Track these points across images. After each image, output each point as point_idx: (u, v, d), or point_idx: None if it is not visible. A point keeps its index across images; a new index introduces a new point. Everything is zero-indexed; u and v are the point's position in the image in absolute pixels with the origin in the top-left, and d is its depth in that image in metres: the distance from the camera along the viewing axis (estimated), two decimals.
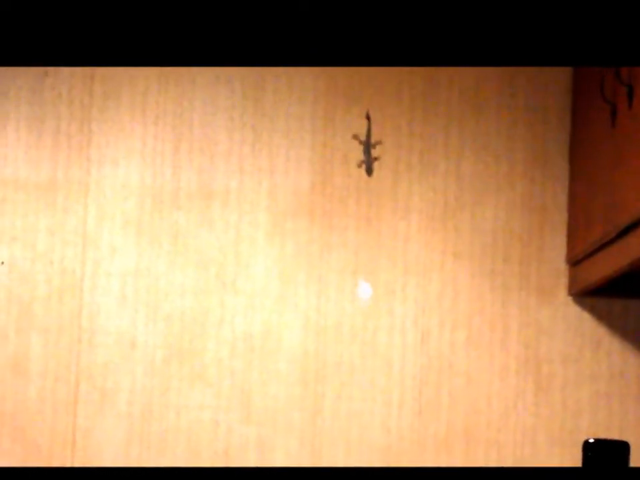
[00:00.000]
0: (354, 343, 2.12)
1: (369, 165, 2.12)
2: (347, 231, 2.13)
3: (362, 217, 2.13)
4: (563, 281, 2.12)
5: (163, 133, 2.14)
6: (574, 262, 2.09)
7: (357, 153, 2.14)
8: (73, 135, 2.14)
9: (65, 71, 2.15)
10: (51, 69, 2.14)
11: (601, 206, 1.89)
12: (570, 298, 2.12)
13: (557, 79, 2.14)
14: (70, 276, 2.12)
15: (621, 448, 1.67)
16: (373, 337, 2.12)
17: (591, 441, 1.61)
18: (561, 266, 2.12)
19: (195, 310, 2.12)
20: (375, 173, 2.13)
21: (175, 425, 2.10)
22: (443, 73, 2.14)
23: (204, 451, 2.10)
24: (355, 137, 2.13)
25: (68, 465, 2.09)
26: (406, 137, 2.14)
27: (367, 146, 2.12)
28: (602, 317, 2.11)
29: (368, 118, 2.13)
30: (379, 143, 2.13)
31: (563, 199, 2.12)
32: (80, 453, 2.09)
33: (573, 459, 2.07)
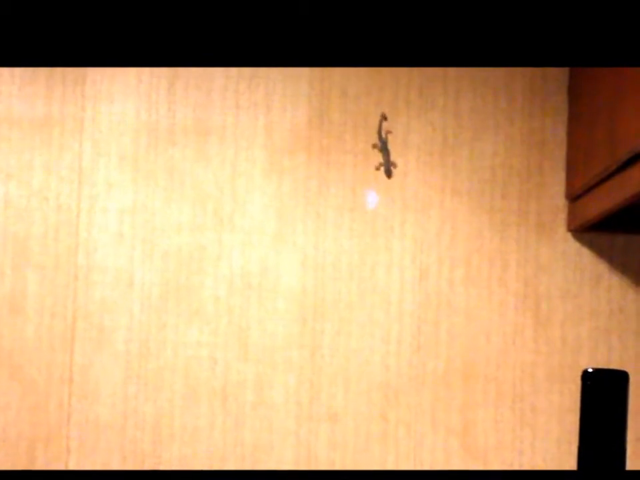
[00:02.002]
0: (352, 279, 2.11)
1: (387, 168, 2.10)
2: (345, 167, 2.11)
3: (360, 153, 2.11)
4: (562, 217, 2.11)
5: (158, 68, 2.12)
6: (573, 197, 2.08)
7: (355, 87, 2.12)
8: (67, 71, 2.11)
9: None
10: None
11: (601, 140, 1.87)
12: (569, 234, 2.11)
13: None
14: (66, 213, 2.10)
15: (620, 378, 1.66)
16: (371, 273, 2.11)
17: (590, 370, 1.60)
18: (560, 201, 2.11)
19: (192, 247, 2.10)
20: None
21: (172, 362, 2.09)
22: None
23: (201, 388, 2.09)
24: (374, 145, 2.10)
25: (65, 402, 2.08)
26: (404, 73, 2.12)
27: (385, 147, 2.10)
28: (602, 252, 2.10)
29: (384, 118, 2.11)
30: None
31: (562, 134, 2.11)
32: (77, 390, 2.09)
33: (572, 394, 2.07)
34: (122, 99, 2.11)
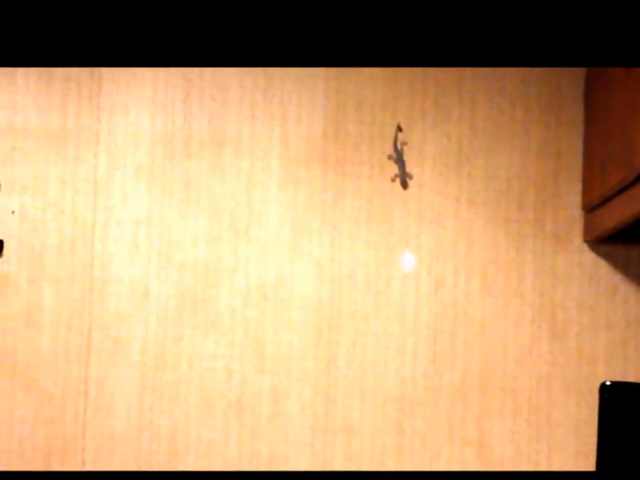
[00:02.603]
0: (368, 291, 2.10)
1: (403, 179, 2.10)
2: (361, 179, 2.11)
3: (375, 164, 2.11)
4: (579, 228, 2.10)
5: (173, 79, 2.11)
6: (589, 208, 2.07)
7: (370, 98, 2.12)
8: (83, 82, 2.11)
9: None
10: None
11: (617, 151, 1.87)
12: (585, 244, 2.10)
13: None
14: (81, 225, 2.10)
15: (637, 390, 1.66)
16: (386, 285, 2.10)
17: (608, 383, 1.60)
18: (577, 212, 2.10)
19: (208, 258, 2.10)
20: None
21: (187, 374, 2.09)
22: None
23: (217, 400, 2.09)
24: (390, 157, 2.10)
25: (81, 414, 2.08)
26: (420, 83, 2.11)
27: (400, 158, 2.10)
28: (618, 263, 2.10)
29: (400, 129, 2.10)
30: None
31: (578, 145, 2.10)
32: (92, 402, 2.08)
33: (588, 406, 2.06)
34: (137, 111, 2.11)
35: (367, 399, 2.09)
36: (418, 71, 2.11)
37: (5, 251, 2.09)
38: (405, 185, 2.09)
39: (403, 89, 2.11)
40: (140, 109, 2.11)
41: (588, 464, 2.05)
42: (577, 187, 2.10)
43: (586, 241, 2.10)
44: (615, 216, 1.94)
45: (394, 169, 2.10)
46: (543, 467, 2.08)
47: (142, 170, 2.11)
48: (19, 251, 2.10)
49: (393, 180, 2.10)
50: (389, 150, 2.10)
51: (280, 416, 2.09)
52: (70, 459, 2.08)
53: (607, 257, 2.10)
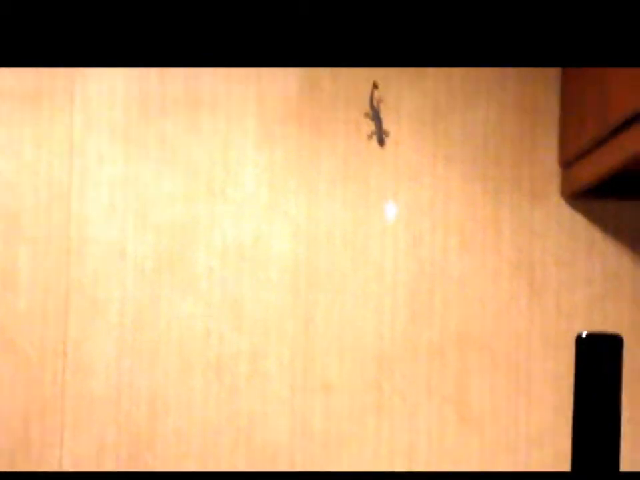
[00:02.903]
0: (345, 250, 2.10)
1: (380, 136, 2.09)
2: (337, 137, 2.10)
3: (351, 122, 2.10)
4: (556, 183, 2.10)
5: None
6: (566, 163, 2.07)
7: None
8: None
9: None
10: None
11: (594, 105, 1.86)
12: (563, 200, 2.10)
13: None
14: (57, 186, 2.09)
15: (614, 341, 1.65)
16: (364, 243, 2.10)
17: (584, 334, 1.60)
18: (554, 168, 2.10)
19: (184, 218, 2.10)
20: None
21: (166, 334, 2.09)
22: None
23: (195, 360, 2.09)
24: (366, 114, 2.09)
25: (59, 376, 2.08)
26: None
27: (377, 116, 2.09)
28: (595, 218, 2.09)
29: (375, 87, 2.09)
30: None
31: (554, 100, 2.10)
32: (71, 364, 2.08)
33: (567, 361, 2.06)
34: (112, 71, 2.10)
35: (346, 357, 2.09)
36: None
37: None
38: (381, 142, 2.09)
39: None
40: (115, 69, 2.10)
41: (567, 418, 2.05)
42: (554, 142, 2.10)
43: (563, 197, 2.10)
44: (591, 171, 1.93)
45: (370, 126, 2.10)
46: (522, 422, 2.08)
47: (117, 130, 2.10)
48: None
49: (370, 137, 2.09)
50: (365, 108, 2.10)
51: (259, 375, 2.09)
52: (49, 420, 2.08)
53: (584, 212, 2.10)
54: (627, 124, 1.70)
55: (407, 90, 2.10)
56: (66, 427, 2.08)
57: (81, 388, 2.08)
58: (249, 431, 2.08)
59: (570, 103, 2.04)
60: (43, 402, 2.08)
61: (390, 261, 2.10)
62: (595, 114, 1.85)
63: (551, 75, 2.10)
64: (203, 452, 2.08)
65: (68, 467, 2.08)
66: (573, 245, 2.09)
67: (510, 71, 2.10)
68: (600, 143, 1.85)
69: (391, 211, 2.06)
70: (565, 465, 2.03)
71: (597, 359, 1.65)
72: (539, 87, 2.10)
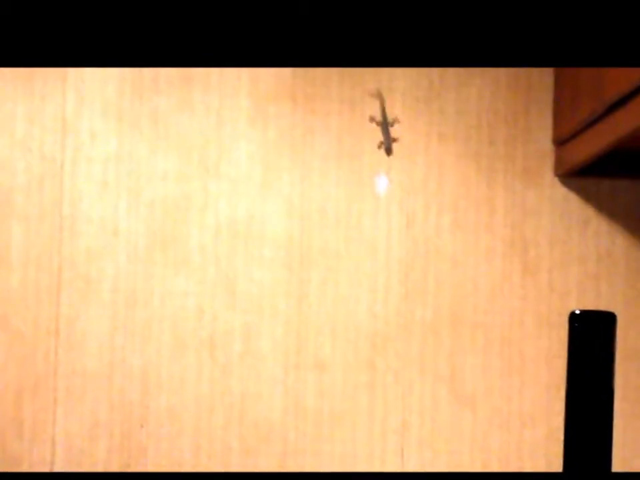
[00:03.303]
0: (339, 228, 2.10)
1: (388, 146, 2.08)
2: (330, 115, 2.10)
3: (345, 100, 2.10)
4: (549, 162, 2.10)
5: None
6: (560, 142, 2.06)
7: None
8: None
9: None
10: None
11: (587, 84, 1.86)
12: (556, 179, 2.10)
13: None
14: (50, 163, 2.09)
15: (607, 319, 1.65)
16: (357, 221, 2.10)
17: (577, 312, 1.59)
18: (547, 146, 2.10)
19: (178, 195, 2.09)
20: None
21: (159, 312, 2.09)
22: None
23: (189, 338, 2.09)
24: (372, 118, 2.08)
25: (52, 353, 2.08)
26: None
27: (385, 126, 2.07)
28: (589, 197, 2.09)
29: (380, 96, 2.08)
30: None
31: (548, 79, 2.09)
32: (64, 341, 2.08)
33: (560, 340, 2.06)
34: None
35: (339, 335, 2.09)
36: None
37: None
38: (389, 152, 2.07)
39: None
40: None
41: (560, 397, 2.05)
42: (548, 121, 2.10)
43: (557, 175, 2.10)
44: (585, 149, 1.93)
45: (364, 106, 2.09)
46: (516, 400, 2.08)
47: (110, 107, 2.09)
48: None
49: (379, 147, 2.08)
50: (359, 86, 2.09)
51: (252, 353, 2.09)
52: (41, 397, 2.07)
53: (577, 190, 2.09)
54: (622, 100, 1.69)
55: (401, 68, 2.10)
56: (59, 404, 2.08)
57: (74, 365, 2.08)
58: (241, 409, 2.08)
59: (564, 80, 2.04)
60: (35, 379, 2.08)
61: (383, 239, 2.09)
62: (590, 91, 1.85)
63: None
64: (196, 430, 2.08)
65: (61, 444, 2.07)
66: (566, 224, 2.09)
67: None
68: (595, 120, 1.85)
69: (382, 184, 2.05)
70: (556, 444, 2.03)
71: (590, 336, 1.65)
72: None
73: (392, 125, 2.07)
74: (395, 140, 2.07)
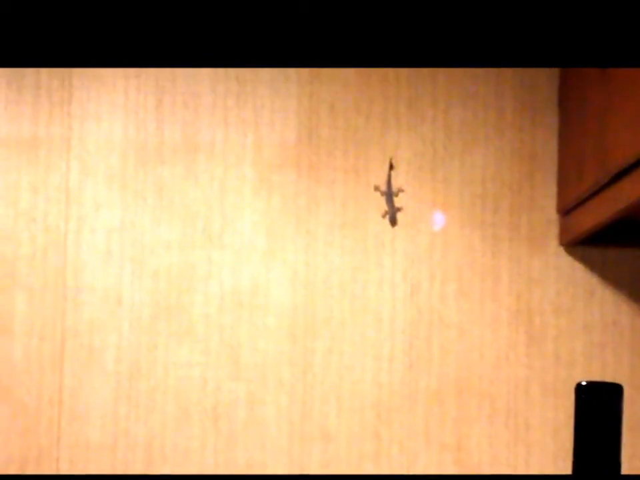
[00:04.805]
0: (343, 297, 2.09)
1: (392, 216, 2.08)
2: (335, 184, 2.10)
3: (349, 169, 2.10)
4: (554, 231, 2.09)
5: (145, 86, 2.10)
6: (565, 211, 2.06)
7: (344, 103, 2.10)
8: (53, 90, 2.10)
9: None
10: None
11: (592, 152, 1.86)
12: (562, 248, 2.09)
13: None
14: (54, 233, 2.08)
15: (614, 390, 1.64)
16: (362, 290, 2.09)
17: (584, 383, 1.58)
18: (552, 215, 2.09)
19: (182, 265, 2.09)
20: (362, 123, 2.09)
21: (163, 382, 2.08)
22: None
23: (193, 408, 2.08)
24: (376, 187, 2.08)
25: (55, 424, 2.07)
26: (393, 86, 2.10)
27: (389, 196, 2.08)
28: (594, 266, 2.08)
29: (391, 167, 2.09)
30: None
31: (553, 147, 2.09)
32: (67, 412, 2.07)
33: (566, 409, 2.05)
34: (109, 118, 2.10)
35: (344, 405, 2.08)
36: (391, 74, 2.10)
37: None
38: (393, 223, 2.07)
39: (375, 92, 2.10)
40: (112, 116, 2.10)
41: (566, 468, 2.03)
42: (552, 189, 2.09)
43: (562, 244, 2.09)
44: (590, 218, 1.93)
45: (369, 175, 2.09)
46: (522, 471, 2.06)
47: (114, 177, 2.09)
48: None
49: (383, 217, 2.08)
50: (364, 155, 2.09)
51: (256, 423, 2.08)
52: (44, 468, 2.06)
53: (583, 259, 2.09)
54: (625, 171, 1.69)
55: (405, 136, 2.10)
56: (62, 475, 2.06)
57: (77, 436, 2.07)
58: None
59: (568, 150, 2.04)
60: (38, 450, 2.07)
61: (388, 308, 2.09)
62: (594, 161, 1.84)
63: (549, 121, 2.09)
64: None
65: None
66: (571, 293, 2.08)
67: (508, 117, 2.10)
68: (599, 190, 1.84)
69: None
70: None
71: (597, 408, 1.64)
72: (537, 133, 2.09)
73: (396, 195, 2.07)
74: (399, 209, 2.07)
